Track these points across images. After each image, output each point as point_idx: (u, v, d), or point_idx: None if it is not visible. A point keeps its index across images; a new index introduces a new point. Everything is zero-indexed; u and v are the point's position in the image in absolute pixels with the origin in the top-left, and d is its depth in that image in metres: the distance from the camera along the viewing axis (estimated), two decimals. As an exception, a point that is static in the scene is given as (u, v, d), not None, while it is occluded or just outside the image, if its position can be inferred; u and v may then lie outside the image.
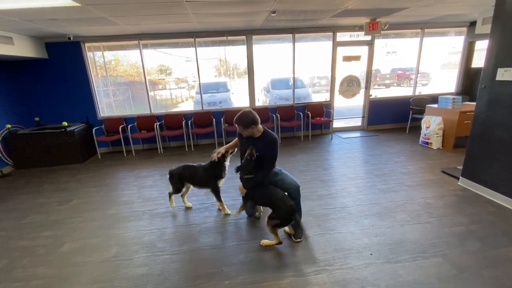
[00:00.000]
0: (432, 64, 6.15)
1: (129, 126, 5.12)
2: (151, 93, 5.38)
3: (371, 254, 2.04)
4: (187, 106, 5.93)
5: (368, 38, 5.43)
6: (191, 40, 5.06)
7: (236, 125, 2.22)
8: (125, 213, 2.86)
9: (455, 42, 6.01)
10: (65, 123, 4.60)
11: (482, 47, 5.69)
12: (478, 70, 5.72)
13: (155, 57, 5.32)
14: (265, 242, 2.21)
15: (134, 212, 2.87)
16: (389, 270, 1.88)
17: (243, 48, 5.26)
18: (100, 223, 2.69)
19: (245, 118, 2.15)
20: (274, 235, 2.14)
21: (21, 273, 2.06)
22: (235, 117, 2.20)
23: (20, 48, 4.11)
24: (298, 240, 2.22)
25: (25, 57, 4.34)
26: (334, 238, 2.26)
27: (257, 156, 2.18)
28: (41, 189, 3.65)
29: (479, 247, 2.06)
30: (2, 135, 4.38)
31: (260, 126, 2.25)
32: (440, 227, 2.33)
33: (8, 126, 4.47)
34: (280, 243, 2.15)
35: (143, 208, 2.95)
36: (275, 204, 2.13)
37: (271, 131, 2.29)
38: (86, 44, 4.88)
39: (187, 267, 2.01)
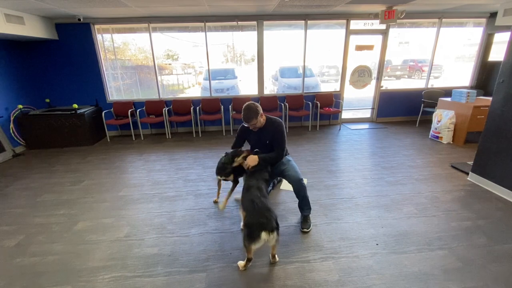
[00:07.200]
0: (445, 56, 5.96)
1: (138, 110, 5.14)
2: (157, 78, 5.36)
3: (377, 244, 2.07)
4: (194, 92, 5.91)
5: (383, 27, 5.28)
6: (201, 24, 4.98)
7: (248, 122, 2.23)
8: (136, 196, 2.93)
9: (471, 34, 5.79)
10: (75, 105, 4.64)
11: (501, 39, 5.49)
12: (495, 64, 5.56)
13: (162, 42, 5.21)
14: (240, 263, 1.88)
15: (144, 195, 2.93)
16: (394, 260, 1.91)
17: (253, 34, 5.16)
18: (112, 204, 2.77)
19: (254, 110, 2.19)
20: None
21: (38, 248, 2.15)
22: (244, 116, 2.20)
23: (31, 29, 4.10)
24: (305, 230, 2.25)
25: (36, 38, 4.34)
26: (341, 227, 2.29)
27: (268, 142, 2.28)
28: (53, 169, 3.74)
29: (486, 242, 2.07)
30: (14, 115, 4.46)
31: (264, 115, 2.34)
32: (446, 221, 2.34)
33: (20, 106, 4.53)
34: (250, 259, 1.82)
35: (153, 191, 3.02)
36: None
37: (273, 116, 2.39)
38: (96, 26, 4.84)
39: (196, 249, 2.07)
